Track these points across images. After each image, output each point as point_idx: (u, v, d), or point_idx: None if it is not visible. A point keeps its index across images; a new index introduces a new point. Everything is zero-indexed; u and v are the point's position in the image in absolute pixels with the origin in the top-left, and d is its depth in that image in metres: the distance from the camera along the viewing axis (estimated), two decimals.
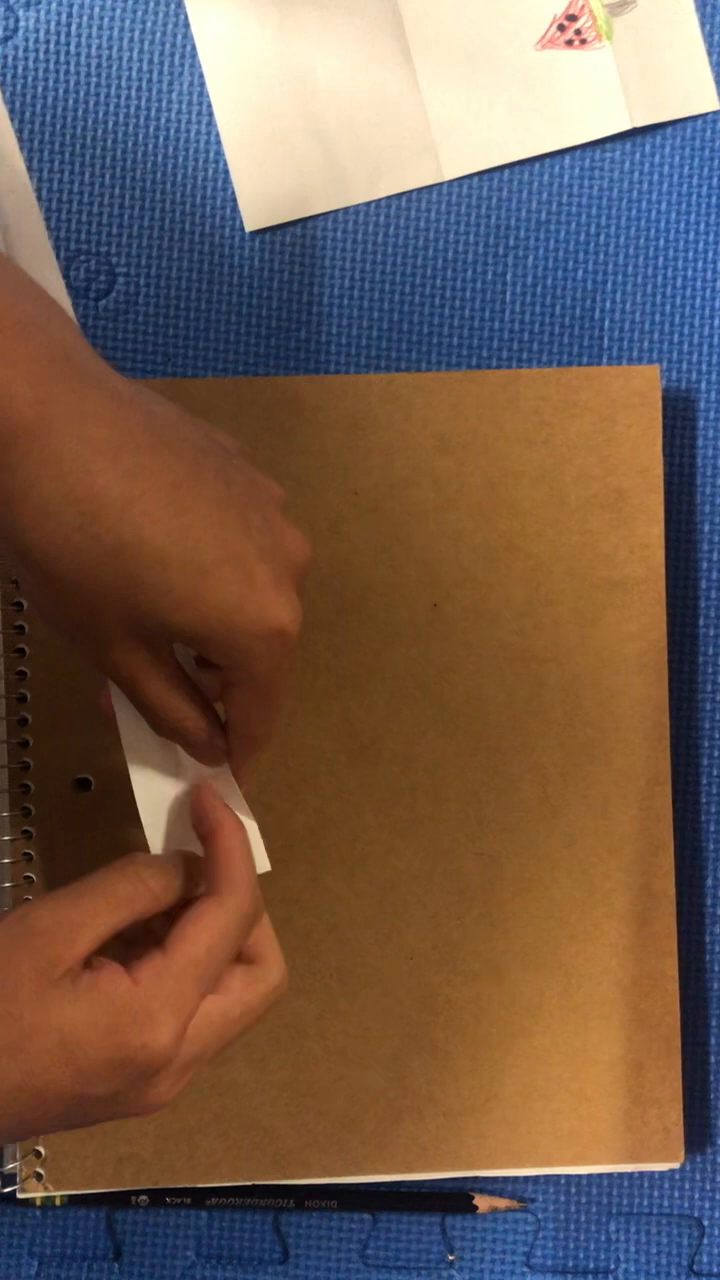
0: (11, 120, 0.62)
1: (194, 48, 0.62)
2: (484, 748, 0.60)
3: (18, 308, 0.45)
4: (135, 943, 0.49)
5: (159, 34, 0.62)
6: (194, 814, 0.51)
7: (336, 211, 0.62)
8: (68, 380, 0.45)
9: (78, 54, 0.62)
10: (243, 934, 0.49)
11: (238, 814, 0.52)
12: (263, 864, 0.52)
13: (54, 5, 0.62)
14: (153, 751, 0.52)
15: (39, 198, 0.62)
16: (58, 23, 0.62)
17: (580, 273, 0.63)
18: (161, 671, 0.49)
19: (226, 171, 0.62)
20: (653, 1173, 0.61)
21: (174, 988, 0.47)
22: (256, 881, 0.50)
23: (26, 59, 0.62)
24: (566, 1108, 0.59)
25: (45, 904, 0.47)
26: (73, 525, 0.45)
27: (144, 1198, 0.60)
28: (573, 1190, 0.61)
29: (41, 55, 0.62)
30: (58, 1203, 0.60)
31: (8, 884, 0.59)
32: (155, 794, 0.52)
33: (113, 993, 0.46)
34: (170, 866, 0.50)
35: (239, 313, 0.63)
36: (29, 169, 0.62)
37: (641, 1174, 0.61)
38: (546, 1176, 0.61)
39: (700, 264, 0.63)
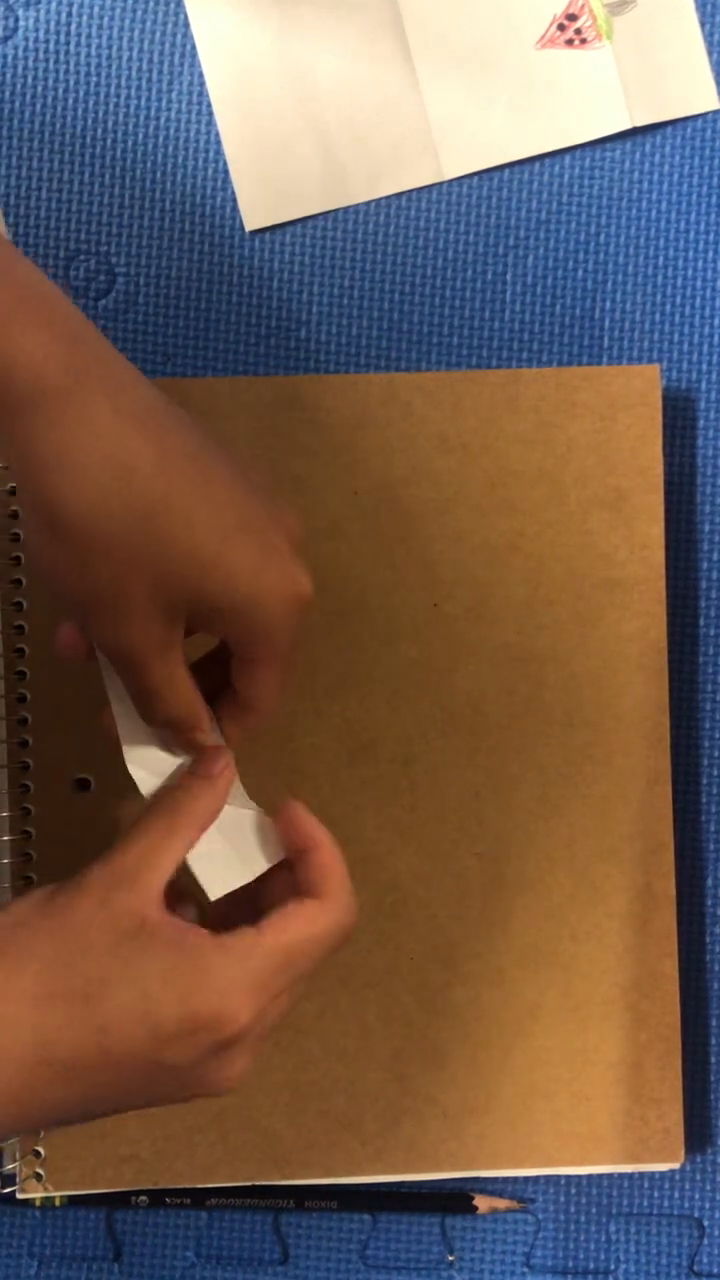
0: (11, 120, 0.62)
1: (194, 48, 0.62)
2: (484, 748, 0.60)
3: (39, 284, 0.46)
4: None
5: (159, 34, 0.62)
6: (287, 831, 0.51)
7: (336, 211, 0.62)
8: (94, 350, 0.46)
9: (78, 54, 0.62)
10: (337, 946, 0.49)
11: (247, 805, 0.52)
12: (276, 852, 0.52)
13: (54, 5, 0.62)
14: (150, 743, 0.52)
15: (39, 197, 0.63)
16: (58, 23, 0.62)
17: (580, 273, 0.63)
18: (171, 655, 0.49)
19: (226, 171, 0.62)
20: (653, 1173, 0.61)
21: (259, 966, 0.46)
22: (355, 900, 0.50)
23: (26, 59, 0.62)
24: (566, 1108, 0.59)
25: (97, 863, 0.47)
26: (109, 488, 0.45)
27: (144, 1198, 0.60)
28: (573, 1190, 0.61)
29: (41, 55, 0.62)
30: (57, 1203, 0.60)
31: (8, 884, 0.59)
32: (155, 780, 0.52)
33: (195, 953, 0.45)
34: (203, 784, 0.50)
35: (239, 313, 0.63)
36: (29, 169, 0.62)
37: (641, 1174, 0.61)
38: (546, 1177, 0.61)
39: (700, 264, 0.63)
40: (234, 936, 0.46)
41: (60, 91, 0.63)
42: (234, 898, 0.50)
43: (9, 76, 0.62)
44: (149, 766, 0.52)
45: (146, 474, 0.46)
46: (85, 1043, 0.44)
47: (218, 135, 0.62)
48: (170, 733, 0.52)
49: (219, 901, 0.49)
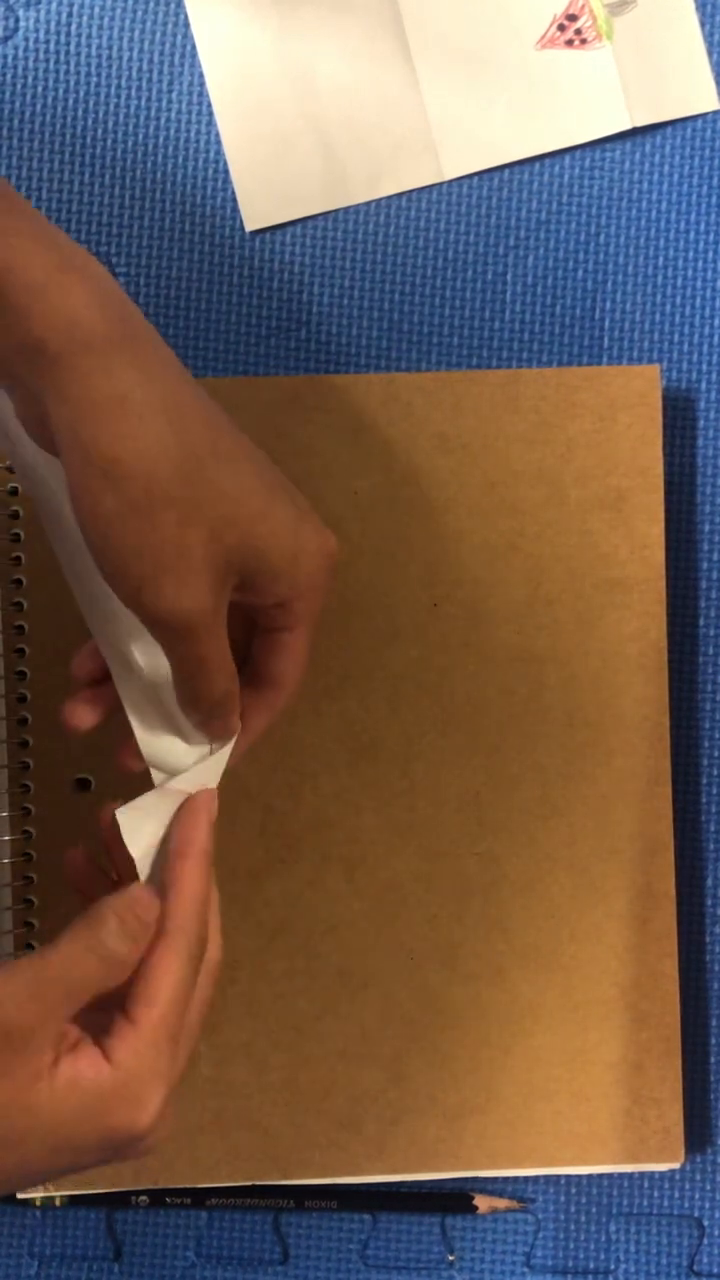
0: (12, 120, 0.63)
1: (194, 48, 0.62)
2: (484, 748, 0.60)
3: (81, 251, 0.46)
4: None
5: (159, 34, 0.62)
6: (175, 832, 0.50)
7: (336, 211, 0.62)
8: (133, 309, 0.47)
9: (78, 54, 0.62)
10: (196, 970, 0.48)
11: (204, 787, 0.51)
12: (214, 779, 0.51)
13: (54, 5, 0.62)
14: (162, 723, 0.52)
15: (39, 197, 0.63)
16: (58, 23, 0.62)
17: (580, 273, 0.63)
18: (221, 624, 0.48)
19: (226, 171, 0.62)
20: (653, 1173, 0.61)
21: (151, 1058, 0.46)
22: (205, 911, 0.49)
23: (26, 59, 0.62)
24: (566, 1108, 0.59)
25: (7, 991, 0.45)
26: (167, 430, 0.45)
27: (144, 1198, 0.60)
28: (573, 1190, 0.61)
29: (41, 55, 0.62)
30: (57, 1203, 0.60)
31: (8, 884, 0.59)
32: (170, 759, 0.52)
33: (95, 1082, 0.45)
34: (131, 923, 0.47)
35: (239, 313, 0.63)
36: (29, 169, 0.62)
37: (641, 1174, 0.61)
38: (546, 1177, 0.61)
39: (700, 264, 0.63)
40: (118, 1041, 0.46)
41: (60, 91, 0.63)
42: None
43: (9, 76, 0.62)
44: (166, 762, 0.52)
45: (200, 421, 0.47)
46: (8, 1171, 0.45)
47: (218, 135, 0.62)
48: (203, 720, 0.51)
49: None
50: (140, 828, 0.50)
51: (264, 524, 0.48)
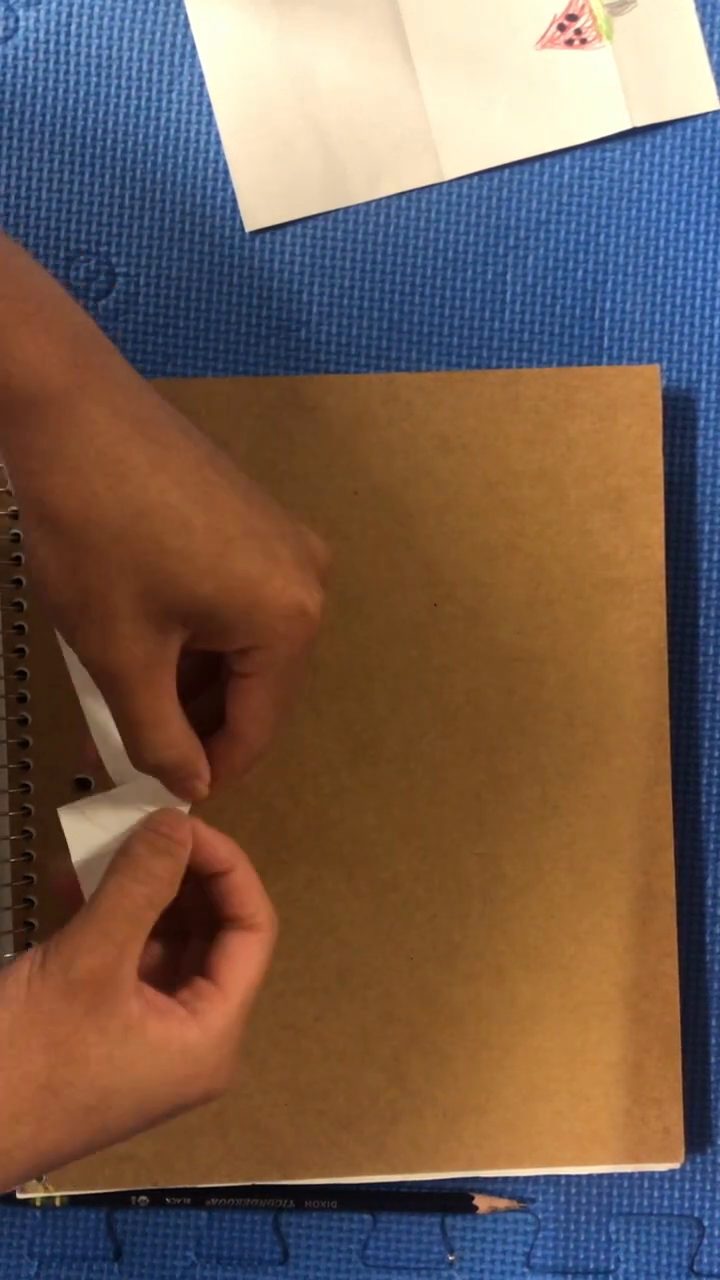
0: (11, 120, 0.63)
1: (194, 48, 0.62)
2: (484, 748, 0.60)
3: (47, 288, 0.46)
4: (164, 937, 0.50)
5: (159, 34, 0.62)
6: (199, 853, 0.50)
7: (336, 211, 0.62)
8: (97, 354, 0.46)
9: (78, 54, 0.62)
10: (271, 959, 0.50)
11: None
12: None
13: (54, 5, 0.62)
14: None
15: (39, 197, 0.63)
16: (58, 23, 0.62)
17: (580, 273, 0.63)
18: (161, 678, 0.48)
19: (226, 171, 0.62)
20: (653, 1173, 0.61)
21: (235, 1029, 0.48)
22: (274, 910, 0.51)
23: (26, 59, 0.62)
24: (566, 1108, 0.59)
25: (76, 943, 0.46)
26: (102, 485, 0.45)
27: (144, 1198, 0.60)
28: (573, 1190, 0.61)
29: (41, 55, 0.62)
30: (57, 1203, 0.60)
31: (8, 883, 0.59)
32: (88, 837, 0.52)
33: (184, 1045, 0.47)
34: (161, 841, 0.49)
35: (239, 313, 0.63)
36: (29, 169, 0.62)
37: (641, 1174, 0.61)
38: (546, 1177, 0.61)
39: (700, 264, 0.63)
40: (207, 1005, 0.48)
41: (60, 91, 0.63)
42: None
43: (9, 76, 0.62)
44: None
45: (143, 474, 0.46)
46: (83, 1141, 0.46)
47: (218, 135, 0.62)
48: (164, 780, 0.50)
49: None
50: (84, 833, 0.51)
51: (212, 576, 0.46)
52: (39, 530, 0.46)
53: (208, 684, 0.52)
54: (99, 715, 0.51)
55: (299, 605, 0.48)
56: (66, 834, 0.51)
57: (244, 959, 0.49)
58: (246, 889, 0.50)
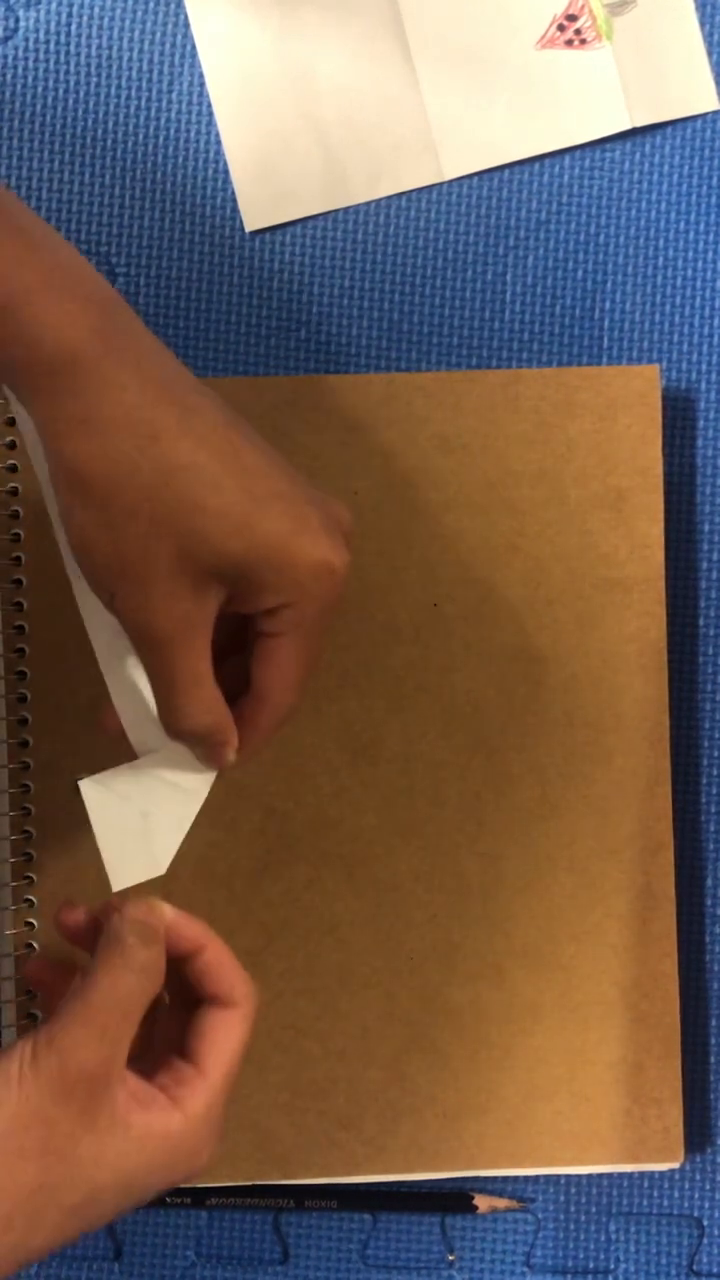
0: (12, 120, 0.62)
1: (194, 48, 0.62)
2: (484, 748, 0.60)
3: (70, 257, 0.47)
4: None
5: (159, 34, 0.62)
6: (170, 937, 0.50)
7: (336, 211, 0.62)
8: (122, 319, 0.47)
9: (78, 54, 0.62)
10: (250, 1033, 0.50)
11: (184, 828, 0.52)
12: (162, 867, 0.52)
13: (54, 5, 0.62)
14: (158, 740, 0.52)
15: (39, 197, 0.63)
16: (58, 23, 0.62)
17: (580, 273, 0.63)
18: (198, 641, 0.48)
19: (226, 171, 0.62)
20: (653, 1173, 0.61)
21: (217, 1111, 0.48)
22: (253, 985, 0.51)
23: (26, 59, 0.62)
24: (566, 1108, 0.59)
25: (71, 1038, 0.46)
26: (133, 447, 0.46)
27: None
28: (573, 1190, 0.61)
29: (41, 55, 0.62)
30: None
31: (8, 884, 0.59)
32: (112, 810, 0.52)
33: (166, 1134, 0.47)
34: (147, 931, 0.49)
35: (239, 313, 0.63)
36: (29, 169, 0.62)
37: (641, 1174, 0.61)
38: (546, 1176, 0.61)
39: (700, 264, 0.63)
40: (187, 1092, 0.48)
41: (60, 91, 0.63)
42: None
43: (9, 76, 0.62)
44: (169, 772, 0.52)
45: (173, 435, 0.46)
46: (70, 1235, 0.46)
47: (218, 135, 0.62)
48: (196, 746, 0.51)
49: None
50: (106, 804, 0.51)
51: (246, 532, 0.47)
52: (71, 495, 0.46)
53: (229, 655, 0.52)
54: (126, 681, 0.51)
55: (327, 563, 0.49)
56: (88, 805, 0.51)
57: (223, 1037, 0.49)
58: (219, 966, 0.50)
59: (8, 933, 0.59)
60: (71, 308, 0.45)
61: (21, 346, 0.45)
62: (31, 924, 0.59)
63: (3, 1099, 0.45)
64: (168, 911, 0.49)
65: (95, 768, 0.59)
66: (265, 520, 0.48)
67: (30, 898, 0.59)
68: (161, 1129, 0.47)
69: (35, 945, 0.59)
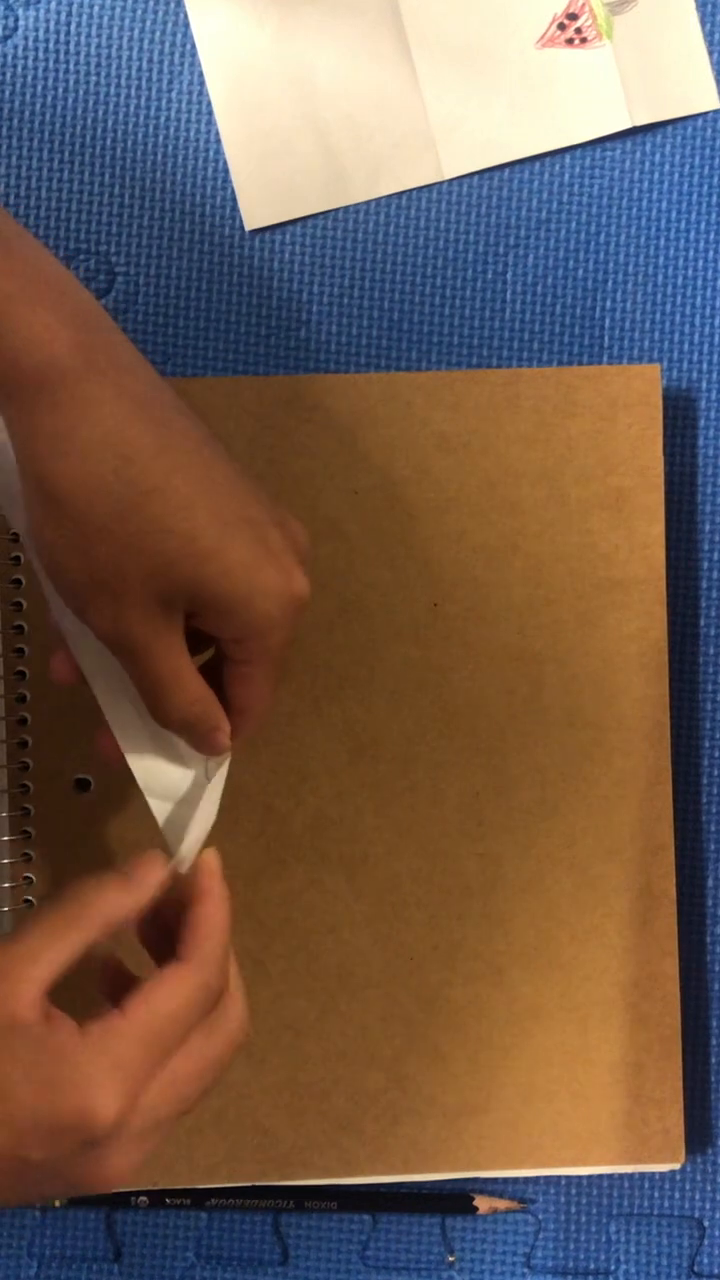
0: (11, 119, 0.62)
1: (194, 48, 0.62)
2: (484, 748, 0.60)
3: (53, 269, 0.47)
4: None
5: (159, 34, 0.62)
6: (189, 874, 0.49)
7: (336, 211, 0.62)
8: (103, 333, 0.47)
9: (78, 54, 0.62)
10: (206, 1007, 0.47)
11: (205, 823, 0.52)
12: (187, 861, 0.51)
13: (54, 5, 0.62)
14: (150, 742, 0.52)
15: (39, 197, 0.63)
16: (58, 22, 0.62)
17: (580, 272, 0.63)
18: (173, 646, 0.49)
19: (226, 171, 0.62)
20: (653, 1173, 0.61)
21: (123, 1051, 0.44)
22: (229, 955, 0.48)
23: (26, 58, 0.62)
24: (567, 1108, 0.59)
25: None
26: (109, 467, 0.46)
27: (144, 1198, 0.60)
28: (573, 1191, 0.61)
29: (41, 55, 0.62)
30: (57, 1204, 0.60)
31: (7, 884, 0.59)
32: (161, 780, 0.52)
33: (55, 1046, 0.43)
34: (119, 880, 0.47)
35: (239, 312, 0.63)
36: (29, 168, 0.62)
37: (641, 1174, 0.61)
38: (546, 1177, 0.61)
39: (700, 264, 0.63)
40: (97, 1022, 0.44)
41: (60, 91, 0.63)
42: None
43: (9, 76, 0.62)
44: (160, 786, 0.52)
45: (148, 456, 0.46)
46: None
47: (218, 135, 0.62)
48: (187, 737, 0.51)
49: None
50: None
51: (214, 561, 0.47)
52: (44, 511, 0.47)
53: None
54: (114, 693, 0.52)
55: (290, 592, 0.49)
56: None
57: (153, 988, 0.46)
58: (196, 922, 0.48)
59: (7, 934, 0.59)
60: (52, 320, 0.45)
61: (2, 362, 0.45)
62: None
63: None
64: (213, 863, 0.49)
65: (95, 767, 0.59)
66: (232, 548, 0.48)
67: (30, 898, 0.59)
68: (51, 1040, 0.43)
69: None
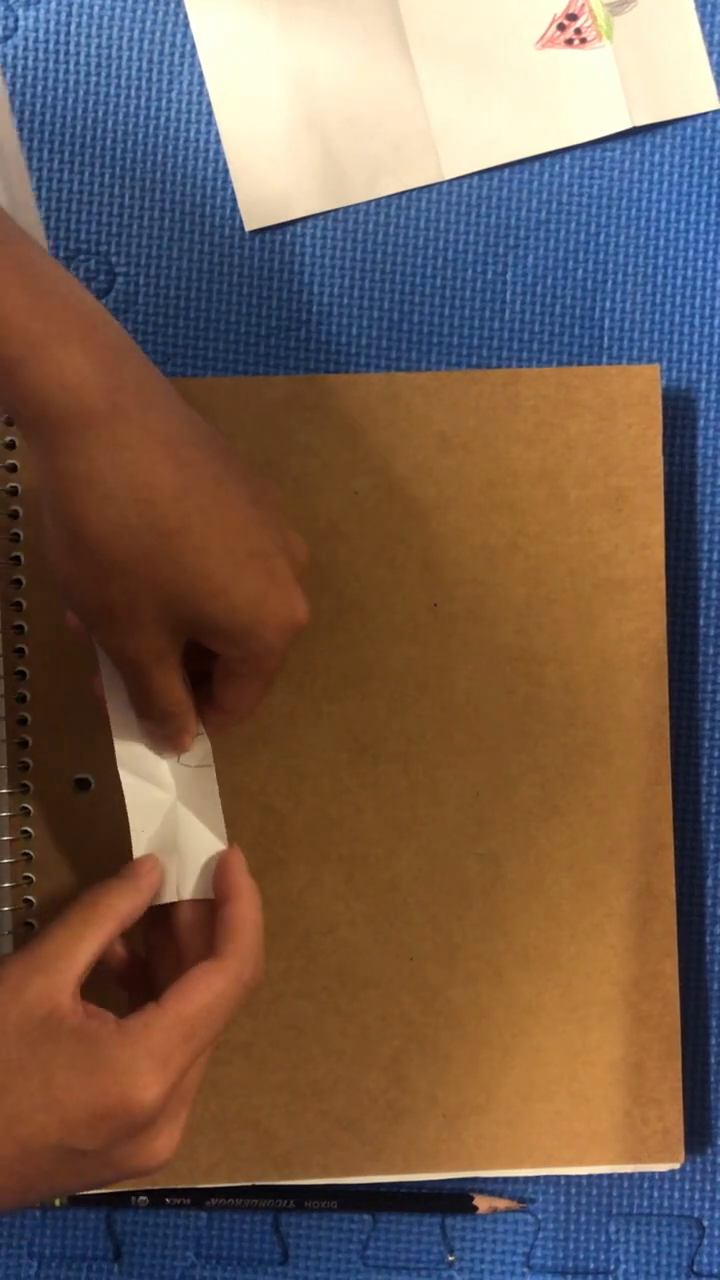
0: (11, 119, 0.62)
1: (194, 48, 0.62)
2: (484, 748, 0.60)
3: (84, 301, 0.48)
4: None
5: (159, 34, 0.62)
6: (216, 875, 0.53)
7: (336, 211, 0.62)
8: (132, 370, 0.48)
9: (78, 54, 0.62)
10: (243, 1002, 0.50)
11: (217, 832, 0.54)
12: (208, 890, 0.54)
13: (54, 5, 0.62)
14: (142, 748, 0.55)
15: (38, 196, 0.63)
16: (58, 22, 0.62)
17: (580, 273, 0.63)
18: (170, 664, 0.52)
19: (226, 171, 0.62)
20: (653, 1173, 0.61)
21: (161, 1042, 0.47)
22: (263, 953, 0.52)
23: (26, 58, 0.62)
24: (566, 1108, 0.59)
25: (17, 954, 0.49)
26: (132, 511, 0.47)
27: (144, 1198, 0.60)
28: (573, 1190, 0.61)
29: (41, 55, 0.62)
30: (57, 1203, 0.60)
31: (8, 884, 0.59)
32: (143, 794, 0.54)
33: (96, 1038, 0.47)
34: (124, 883, 0.52)
35: (239, 313, 0.63)
36: (29, 168, 0.62)
37: (641, 1174, 0.61)
38: (546, 1177, 0.61)
39: (700, 264, 0.63)
40: (134, 1017, 0.48)
41: (60, 91, 0.62)
42: (159, 951, 0.53)
43: (9, 76, 0.62)
44: (136, 766, 0.54)
45: (170, 500, 0.48)
46: None
47: (218, 135, 0.62)
48: (156, 730, 0.54)
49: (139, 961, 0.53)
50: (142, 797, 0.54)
51: (223, 598, 0.50)
52: (67, 543, 0.48)
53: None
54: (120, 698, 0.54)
55: (291, 621, 0.52)
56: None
57: (191, 982, 0.49)
58: (231, 919, 0.51)
59: (7, 933, 0.59)
60: (82, 363, 0.46)
61: (31, 404, 0.46)
62: (31, 924, 0.59)
63: None
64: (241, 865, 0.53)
65: (95, 767, 0.59)
66: (241, 583, 0.50)
67: (30, 898, 0.59)
68: (92, 1033, 0.47)
69: None
